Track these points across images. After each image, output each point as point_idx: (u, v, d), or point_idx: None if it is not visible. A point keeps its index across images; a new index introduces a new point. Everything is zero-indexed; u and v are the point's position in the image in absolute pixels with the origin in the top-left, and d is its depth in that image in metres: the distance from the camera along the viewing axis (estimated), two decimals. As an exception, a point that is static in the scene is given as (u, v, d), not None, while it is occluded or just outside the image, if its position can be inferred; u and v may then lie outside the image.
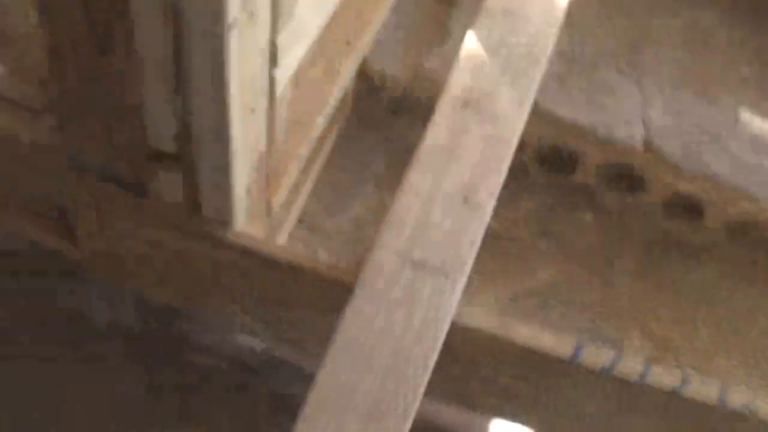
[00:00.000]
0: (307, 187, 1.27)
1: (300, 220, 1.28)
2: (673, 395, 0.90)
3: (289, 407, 0.92)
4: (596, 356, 0.92)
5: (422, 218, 0.93)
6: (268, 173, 1.03)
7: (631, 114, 1.33)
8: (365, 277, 0.89)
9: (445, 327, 0.87)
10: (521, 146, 1.02)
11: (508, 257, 1.28)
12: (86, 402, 1.25)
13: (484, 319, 0.94)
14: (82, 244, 1.08)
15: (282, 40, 0.87)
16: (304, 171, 1.22)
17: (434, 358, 0.84)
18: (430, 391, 0.85)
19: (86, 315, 1.26)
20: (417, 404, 0.81)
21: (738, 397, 0.90)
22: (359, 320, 0.85)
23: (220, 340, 1.19)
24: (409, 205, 0.94)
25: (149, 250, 1.04)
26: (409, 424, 0.80)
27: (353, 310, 0.86)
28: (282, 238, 1.23)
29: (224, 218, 0.96)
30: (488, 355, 0.96)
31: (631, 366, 0.92)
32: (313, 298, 0.99)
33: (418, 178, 0.96)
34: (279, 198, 1.13)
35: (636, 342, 1.22)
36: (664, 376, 0.91)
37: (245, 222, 1.00)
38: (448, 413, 1.13)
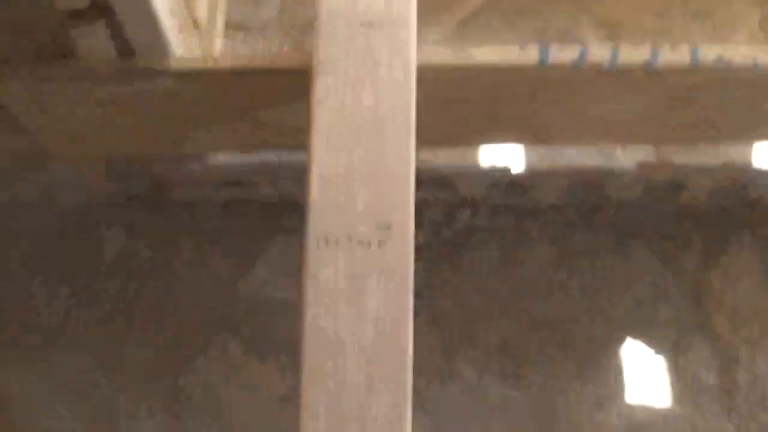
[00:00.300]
0: (224, -10, 1.22)
1: (228, 24, 1.24)
2: (646, 69, 0.91)
3: (292, 206, 0.92)
4: (562, 53, 0.92)
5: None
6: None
7: None
8: (321, 50, 0.86)
9: (413, 73, 0.85)
10: None
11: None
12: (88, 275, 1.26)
13: (444, 54, 0.93)
14: (34, 132, 1.05)
15: None
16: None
17: (413, 109, 0.83)
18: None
19: (61, 198, 1.25)
20: (413, 157, 0.81)
21: (709, 53, 0.91)
22: (330, 97, 0.84)
23: (201, 167, 1.18)
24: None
25: (99, 111, 1.01)
26: (413, 183, 0.80)
27: (320, 89, 0.84)
28: (218, 49, 1.19)
29: (159, 50, 0.93)
30: (460, 87, 0.95)
31: (599, 53, 0.92)
32: (273, 94, 0.98)
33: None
34: (201, 10, 1.09)
35: (590, 34, 1.22)
36: (633, 54, 0.91)
37: (179, 47, 0.96)
38: (436, 156, 1.14)
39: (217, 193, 1.24)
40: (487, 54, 0.92)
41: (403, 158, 0.81)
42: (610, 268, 1.19)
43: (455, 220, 1.24)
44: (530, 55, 0.92)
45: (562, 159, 1.14)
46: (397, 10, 0.88)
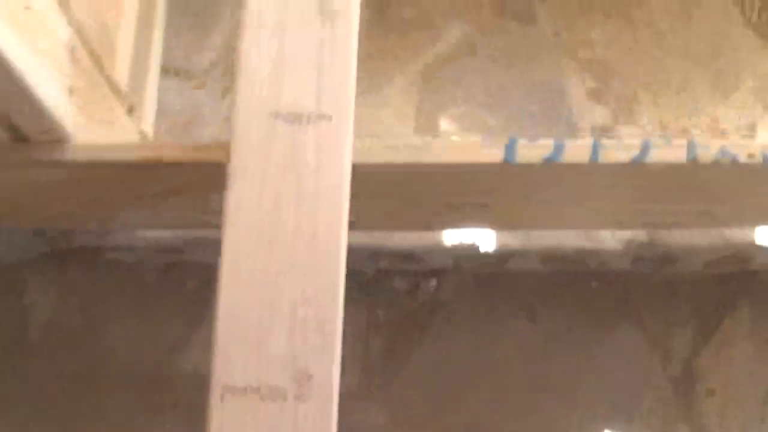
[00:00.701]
0: (158, 34, 1.07)
1: (165, 70, 1.09)
2: (634, 165, 0.76)
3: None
4: (532, 150, 0.77)
5: (277, 55, 0.74)
6: (94, 51, 0.85)
7: None
8: (236, 149, 0.72)
9: (347, 176, 0.71)
10: None
11: (408, 28, 1.10)
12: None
13: (395, 150, 0.79)
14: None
15: None
16: (146, 21, 1.02)
17: (345, 228, 0.69)
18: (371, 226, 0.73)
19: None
20: (341, 293, 0.68)
21: (707, 154, 0.76)
22: (243, 213, 0.70)
23: (129, 236, 1.05)
24: (258, 41, 0.75)
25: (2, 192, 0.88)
26: (340, 324, 0.67)
27: (233, 201, 0.71)
28: (151, 94, 1.05)
29: (57, 135, 0.79)
30: (414, 184, 0.81)
31: (578, 148, 0.77)
32: (197, 181, 0.84)
33: (256, 5, 0.76)
34: (120, 70, 0.95)
35: (576, 81, 1.07)
36: (619, 150, 0.76)
37: (85, 123, 0.82)
38: (397, 238, 1.00)
39: (155, 256, 1.11)
40: (439, 153, 0.77)
41: (329, 294, 0.68)
42: (589, 348, 1.06)
43: (419, 291, 1.09)
44: (492, 151, 0.77)
45: (538, 239, 1.00)
46: (330, 98, 0.73)
